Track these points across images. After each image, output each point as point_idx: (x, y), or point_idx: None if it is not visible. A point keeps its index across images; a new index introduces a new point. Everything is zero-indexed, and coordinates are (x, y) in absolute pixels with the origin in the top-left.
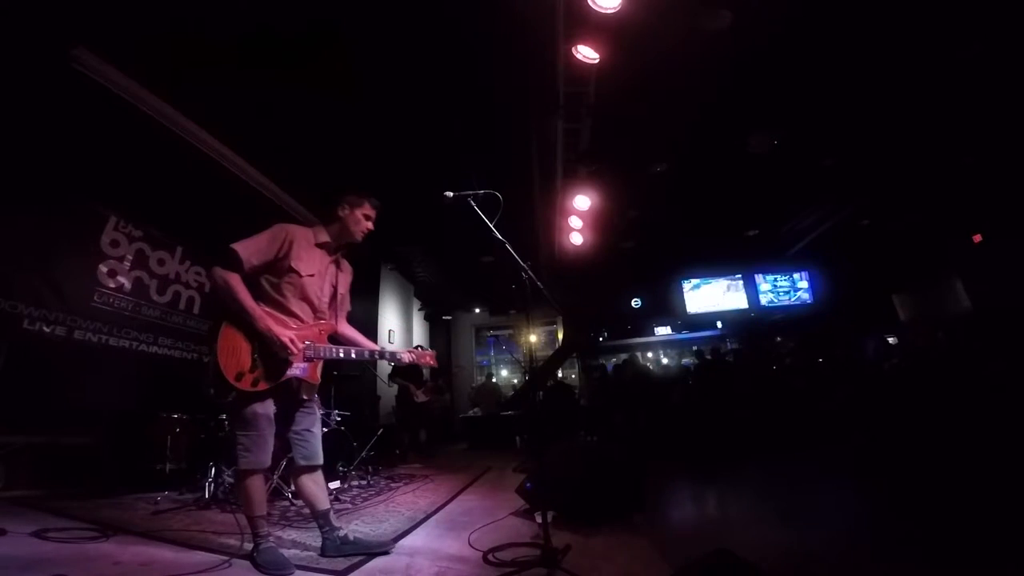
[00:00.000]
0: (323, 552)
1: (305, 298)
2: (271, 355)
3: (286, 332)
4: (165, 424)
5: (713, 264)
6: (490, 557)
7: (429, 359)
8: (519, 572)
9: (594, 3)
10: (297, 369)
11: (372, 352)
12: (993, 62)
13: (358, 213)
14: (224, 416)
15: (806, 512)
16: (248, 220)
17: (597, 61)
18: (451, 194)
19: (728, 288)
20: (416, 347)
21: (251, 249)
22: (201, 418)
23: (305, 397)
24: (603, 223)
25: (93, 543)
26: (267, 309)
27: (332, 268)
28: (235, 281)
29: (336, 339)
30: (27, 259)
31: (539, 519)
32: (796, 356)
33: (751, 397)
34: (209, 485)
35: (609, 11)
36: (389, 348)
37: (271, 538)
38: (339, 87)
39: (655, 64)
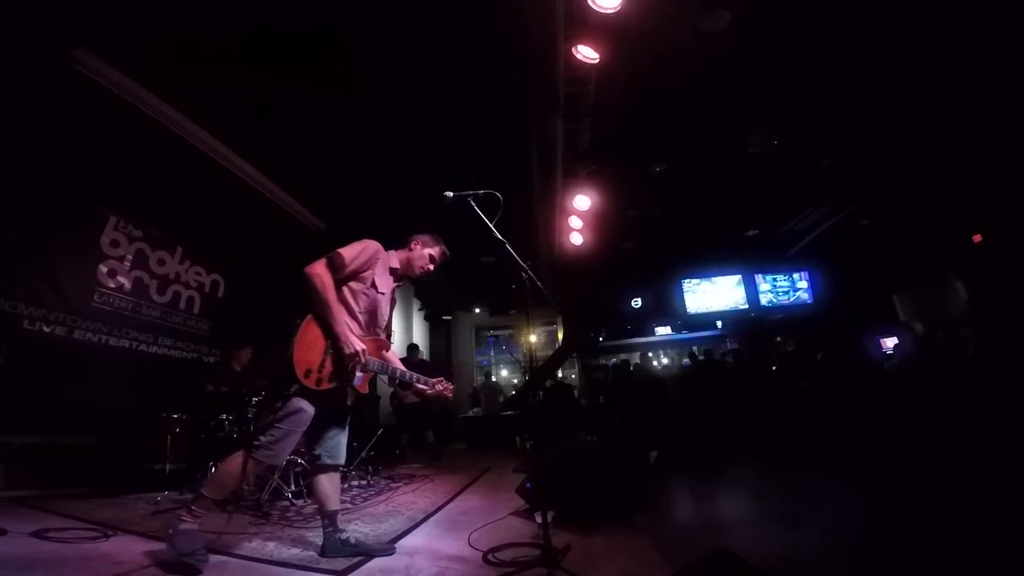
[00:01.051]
0: (323, 552)
1: (372, 312)
2: (339, 358)
3: (358, 342)
4: (165, 424)
5: (713, 264)
6: (490, 557)
7: (448, 393)
8: (519, 572)
9: (594, 3)
10: (355, 378)
11: (409, 376)
12: (993, 62)
13: (426, 252)
14: (225, 415)
15: (806, 512)
16: (248, 220)
17: (597, 61)
18: (451, 194)
19: (727, 287)
20: (440, 380)
21: (351, 256)
22: (201, 418)
23: (348, 404)
24: (603, 223)
25: (93, 543)
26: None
27: (392, 293)
28: (329, 280)
29: (383, 357)
30: (27, 259)
31: (539, 519)
32: (803, 356)
33: (748, 397)
34: None
35: (609, 11)
36: (420, 377)
37: (198, 523)
38: (339, 87)
39: (655, 64)
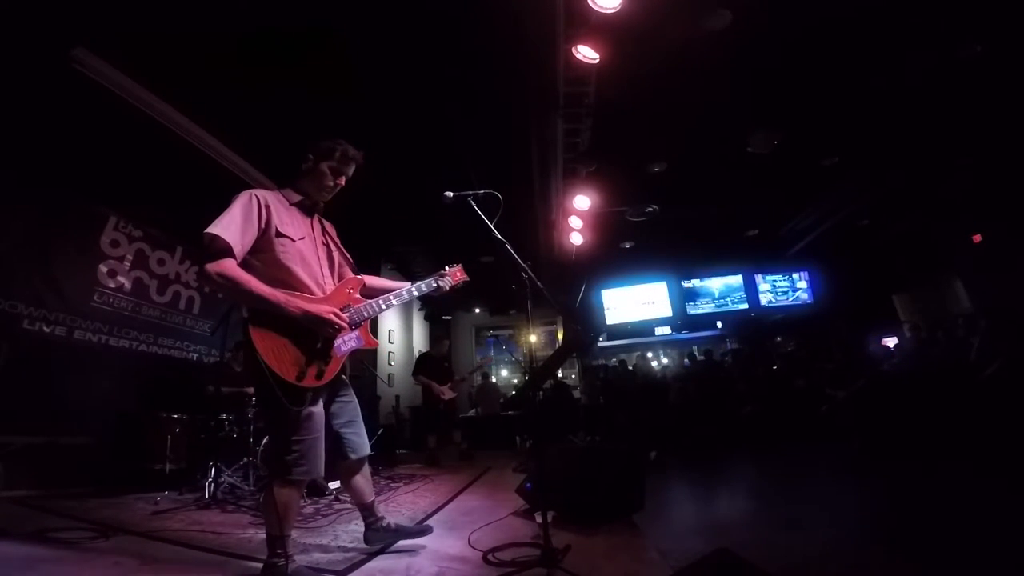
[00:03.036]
0: (367, 541)
1: (307, 264)
2: (313, 339)
3: (321, 306)
4: (165, 424)
5: (713, 264)
6: (490, 557)
7: (459, 274)
8: (519, 572)
9: (594, 3)
10: (352, 341)
11: (409, 291)
12: (993, 63)
13: (323, 167)
14: (225, 415)
15: (806, 512)
16: None
17: (597, 61)
18: (451, 194)
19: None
20: (440, 274)
21: (233, 229)
22: (201, 418)
23: (344, 376)
24: (603, 223)
25: (93, 543)
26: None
27: (317, 227)
28: (235, 271)
29: (369, 292)
30: (27, 259)
31: (539, 519)
32: (803, 356)
33: (748, 397)
34: (209, 485)
35: (609, 11)
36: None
37: (296, 557)
38: (340, 87)
39: (655, 64)
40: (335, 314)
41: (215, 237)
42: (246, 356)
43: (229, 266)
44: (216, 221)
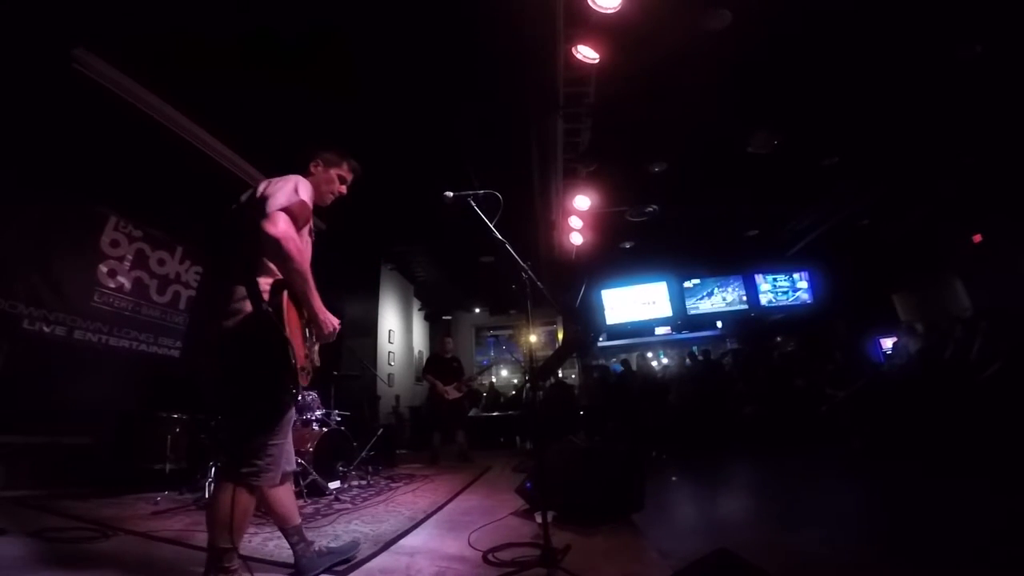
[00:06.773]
0: (303, 572)
1: None
2: (307, 338)
3: (330, 316)
4: (165, 424)
5: (713, 264)
6: (490, 557)
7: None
8: (519, 572)
9: (594, 3)
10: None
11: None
12: (993, 63)
13: (333, 173)
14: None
15: (806, 512)
16: None
17: (597, 61)
18: (451, 194)
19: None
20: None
21: (310, 198)
22: (201, 418)
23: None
24: (603, 223)
25: (93, 543)
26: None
27: None
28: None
29: None
30: (27, 259)
31: (539, 519)
32: (803, 356)
33: (748, 397)
34: (209, 485)
35: (609, 11)
36: None
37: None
38: (340, 87)
39: (655, 64)
40: (337, 326)
41: (304, 203)
42: (251, 333)
43: (299, 238)
44: (301, 188)
